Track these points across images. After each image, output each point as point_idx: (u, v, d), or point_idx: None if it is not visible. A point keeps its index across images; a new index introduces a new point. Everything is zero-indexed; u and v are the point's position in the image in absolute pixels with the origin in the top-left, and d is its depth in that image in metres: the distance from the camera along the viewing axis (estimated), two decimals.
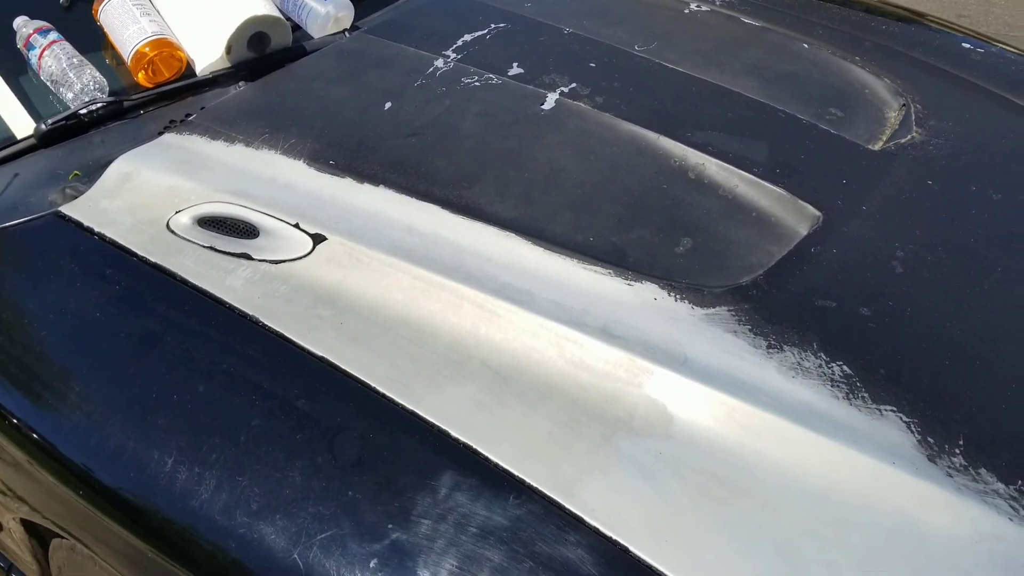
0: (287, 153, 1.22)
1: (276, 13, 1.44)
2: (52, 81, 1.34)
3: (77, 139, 1.32)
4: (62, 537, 1.09)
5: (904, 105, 1.35)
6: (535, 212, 1.12)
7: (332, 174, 1.18)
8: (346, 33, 1.52)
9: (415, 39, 1.45)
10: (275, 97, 1.34)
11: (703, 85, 1.35)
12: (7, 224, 1.18)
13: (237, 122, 1.28)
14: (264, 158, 1.22)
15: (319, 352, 0.97)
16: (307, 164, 1.20)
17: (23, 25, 1.37)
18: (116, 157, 1.26)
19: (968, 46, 1.57)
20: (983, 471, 0.85)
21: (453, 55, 1.41)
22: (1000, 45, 1.61)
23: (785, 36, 1.52)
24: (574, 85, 1.33)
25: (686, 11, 1.58)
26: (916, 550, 0.80)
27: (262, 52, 1.46)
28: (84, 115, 1.32)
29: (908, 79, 1.40)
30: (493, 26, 1.49)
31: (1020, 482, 0.86)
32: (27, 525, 1.20)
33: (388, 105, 1.30)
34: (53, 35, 1.35)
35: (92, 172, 1.26)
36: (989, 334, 1.00)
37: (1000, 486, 0.85)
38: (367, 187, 1.16)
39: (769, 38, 1.51)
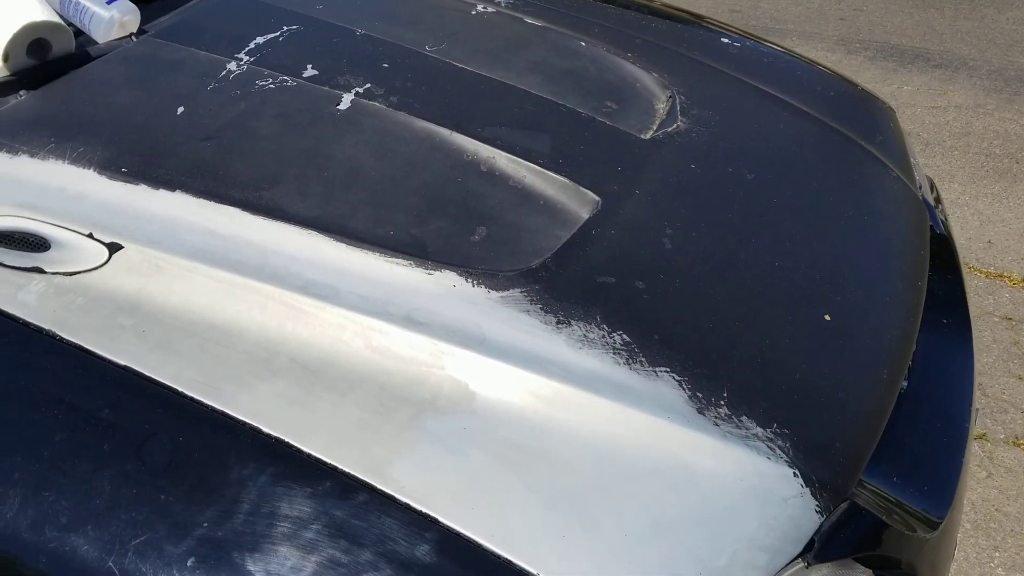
0: (76, 162, 1.18)
1: (55, 18, 1.38)
2: None
3: None
4: None
5: (671, 97, 1.47)
6: (336, 209, 1.14)
7: (125, 181, 1.15)
8: (132, 38, 1.47)
9: (206, 42, 1.43)
10: (60, 105, 1.29)
11: (491, 83, 1.42)
12: None
13: (19, 132, 1.22)
14: (51, 168, 1.17)
15: (121, 361, 0.96)
16: (98, 172, 1.16)
17: None
18: None
19: (727, 41, 1.72)
20: (744, 418, 0.97)
21: (246, 58, 1.40)
22: (755, 40, 1.78)
23: (565, 35, 1.61)
24: (368, 85, 1.36)
25: (473, 12, 1.64)
26: (690, 492, 0.90)
27: (44, 59, 1.39)
28: None
29: (674, 73, 1.53)
30: (285, 28, 1.49)
31: (775, 425, 0.98)
32: None
33: (180, 109, 1.28)
34: None
35: None
36: (746, 298, 1.12)
37: (759, 430, 0.96)
38: (162, 193, 1.14)
39: (550, 37, 1.60)
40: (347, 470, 0.87)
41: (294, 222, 1.11)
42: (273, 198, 1.15)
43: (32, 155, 1.19)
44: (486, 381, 0.96)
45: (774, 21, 3.91)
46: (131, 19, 1.48)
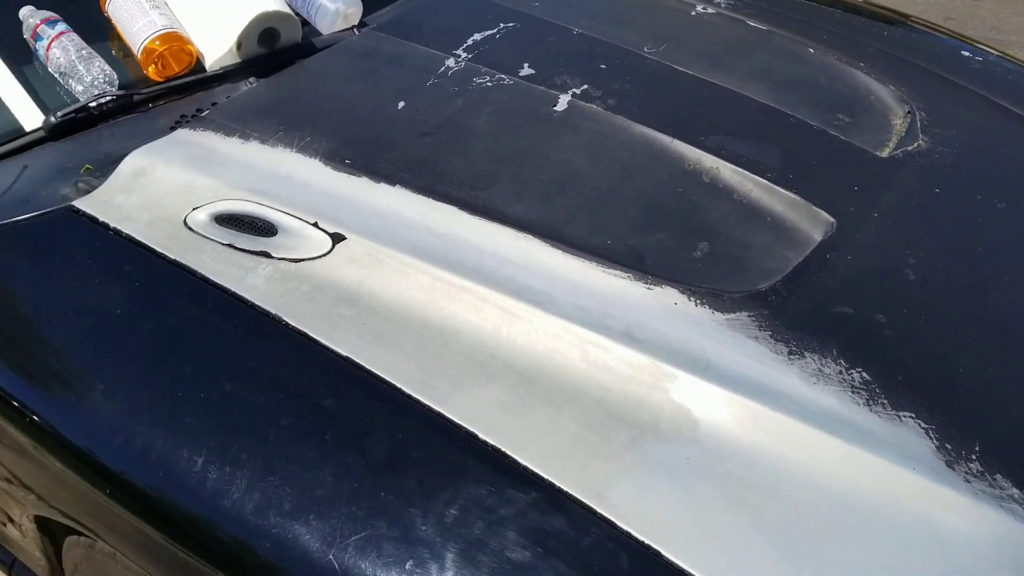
0: (302, 151, 1.21)
1: (287, 9, 1.43)
2: (60, 73, 1.33)
3: (86, 132, 1.31)
4: (79, 535, 1.09)
5: (909, 112, 1.37)
6: (552, 214, 1.13)
7: (348, 173, 1.18)
8: (355, 30, 1.52)
9: (425, 37, 1.45)
10: (288, 94, 1.34)
11: (713, 88, 1.36)
12: (19, 217, 1.17)
13: (251, 119, 1.27)
14: (279, 156, 1.21)
15: (343, 351, 0.97)
16: (323, 162, 1.20)
17: (30, 15, 1.35)
18: (128, 151, 1.24)
19: (967, 54, 1.59)
20: (999, 477, 0.88)
21: (464, 54, 1.41)
22: (997, 53, 1.64)
23: (791, 40, 1.53)
24: (586, 87, 1.34)
25: (692, 13, 1.59)
26: (936, 552, 0.82)
27: (272, 48, 1.45)
28: (94, 108, 1.30)
29: (912, 86, 1.42)
30: (502, 25, 1.49)
31: None
32: (40, 522, 1.19)
33: (401, 104, 1.30)
34: (61, 26, 1.34)
35: (103, 166, 1.25)
36: (999, 340, 1.02)
37: (1015, 491, 0.87)
38: (383, 186, 1.16)
39: (775, 42, 1.53)
40: (564, 488, 0.85)
41: (510, 224, 1.10)
42: (489, 198, 1.14)
43: (263, 142, 1.23)
44: (711, 409, 0.92)
45: (994, 31, 3.63)
46: (354, 12, 1.52)
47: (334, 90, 1.34)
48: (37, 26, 1.33)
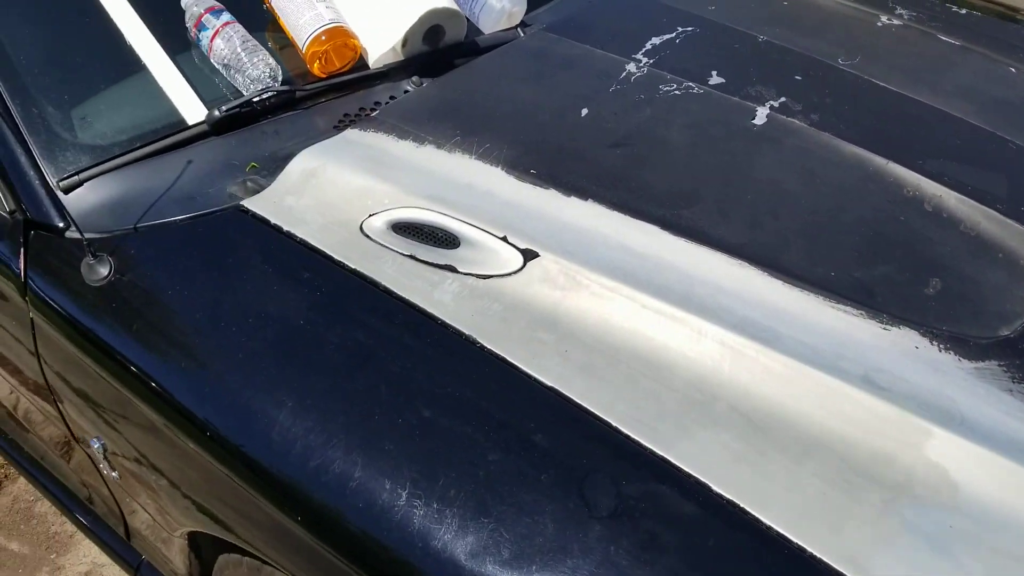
0: (482, 158, 1.14)
1: (455, 6, 1.37)
2: (224, 65, 1.28)
3: (249, 128, 1.26)
4: (239, 554, 1.04)
5: None
6: (765, 239, 1.04)
7: (534, 184, 1.11)
8: (518, 30, 1.44)
9: (599, 40, 1.37)
10: (460, 96, 1.27)
11: (920, 106, 1.26)
12: (186, 216, 1.12)
13: (424, 121, 1.21)
14: (459, 162, 1.14)
15: (548, 381, 0.90)
16: (505, 171, 1.13)
17: (194, 3, 1.30)
18: (294, 150, 1.19)
19: None
20: None
21: (644, 59, 1.32)
22: None
23: (989, 58, 1.42)
24: (784, 99, 1.25)
25: (879, 24, 1.49)
26: None
27: (435, 46, 1.39)
28: (257, 103, 1.25)
29: None
30: (680, 29, 1.40)
31: None
32: (191, 538, 1.14)
33: (584, 111, 1.22)
34: (226, 16, 1.29)
35: (269, 164, 1.20)
36: None
37: None
38: (574, 200, 1.09)
39: (973, 60, 1.42)
40: (816, 553, 0.76)
41: (719, 248, 1.02)
42: (693, 218, 1.06)
43: (438, 146, 1.17)
44: (970, 470, 0.82)
45: None
46: (518, 10, 1.45)
47: (509, 93, 1.26)
48: (201, 16, 1.28)
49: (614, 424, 0.86)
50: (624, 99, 1.24)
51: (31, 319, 1.16)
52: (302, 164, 1.16)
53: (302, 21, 1.30)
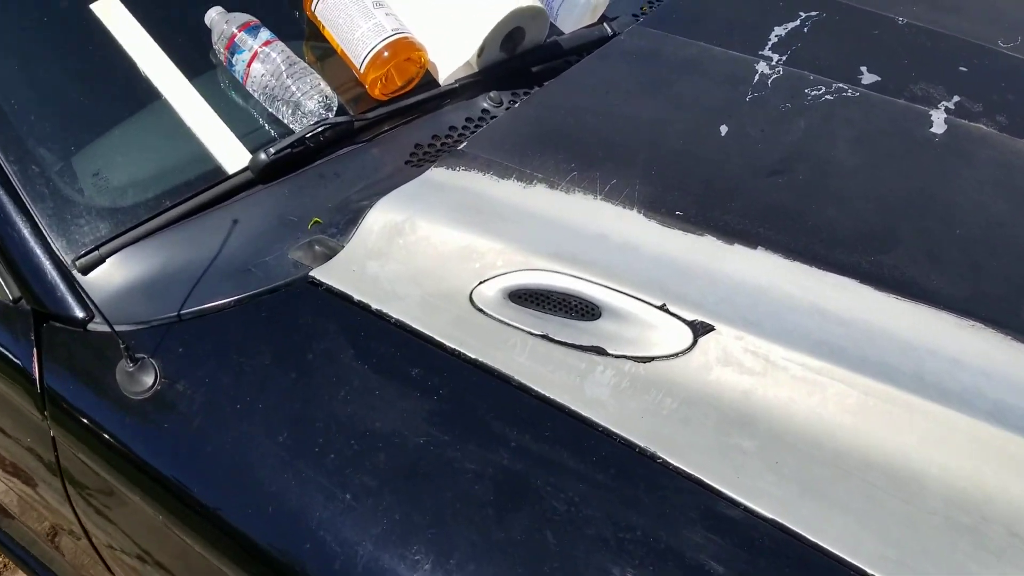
0: (612, 198, 0.93)
1: (540, 3, 1.14)
2: (266, 94, 1.05)
3: (303, 172, 1.03)
4: None
5: None
6: (994, 288, 0.83)
7: (685, 231, 0.89)
8: (605, 25, 1.22)
9: (712, 33, 1.15)
10: (565, 117, 1.04)
11: None
12: (243, 295, 0.90)
13: (526, 153, 0.99)
14: (582, 206, 0.93)
15: (766, 512, 0.69)
16: (645, 215, 0.91)
17: (223, 20, 1.06)
18: (364, 197, 0.98)
19: None
20: None
21: (775, 56, 1.10)
22: None
23: None
24: (957, 98, 1.03)
25: None
26: None
27: (512, 52, 1.16)
28: (310, 140, 1.02)
29: None
30: (803, 15, 1.18)
31: None
32: None
33: (724, 129, 1.00)
34: (264, 33, 1.05)
35: (337, 219, 0.98)
36: None
37: None
38: (740, 249, 0.87)
39: None
40: None
41: (942, 305, 0.81)
42: (897, 266, 0.85)
43: (551, 186, 0.95)
44: None
45: None
46: (602, 2, 1.22)
47: (624, 110, 1.04)
48: (234, 35, 1.04)
49: (867, 570, 0.65)
50: (767, 110, 1.02)
51: (52, 437, 0.94)
52: (382, 218, 0.93)
53: (358, 34, 1.07)
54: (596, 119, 1.03)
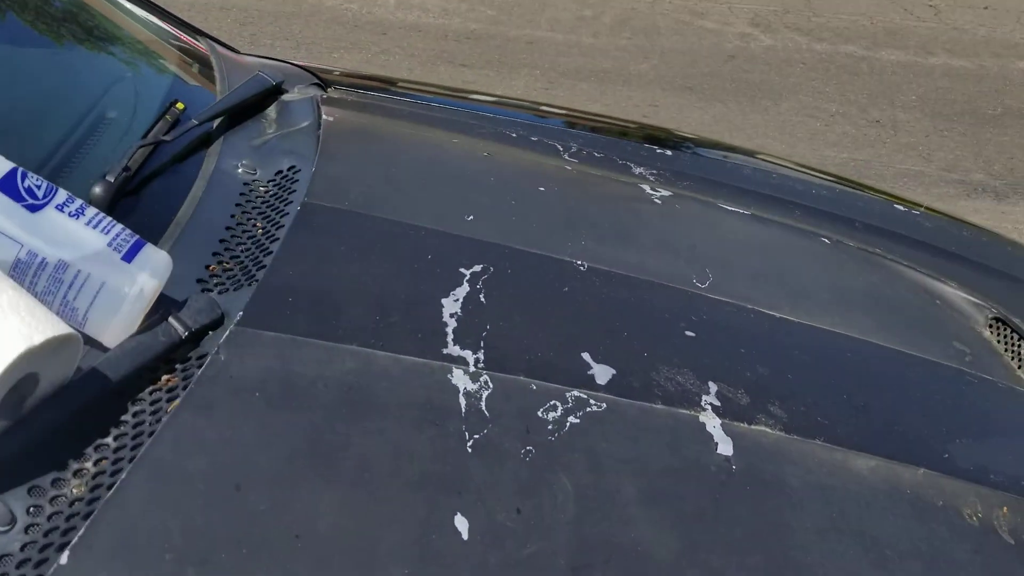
0: None
1: (63, 326, 0.63)
2: None
3: None
4: None
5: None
6: None
7: None
8: (173, 324, 0.75)
9: (361, 326, 0.75)
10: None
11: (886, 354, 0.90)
12: None
13: None
14: None
15: None
16: None
17: None
18: None
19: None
20: None
21: (468, 354, 0.75)
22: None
23: (865, 252, 1.14)
24: (715, 387, 0.78)
25: (728, 215, 1.11)
26: None
27: (17, 411, 0.63)
28: None
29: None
30: (465, 272, 0.85)
31: None
32: None
33: (463, 528, 0.61)
34: None
35: None
36: None
37: None
38: None
39: (855, 256, 1.11)
40: None
41: None
42: None
43: None
44: None
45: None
46: (156, 284, 0.75)
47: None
48: None
49: None
50: (505, 469, 0.66)
51: None
52: None
53: None
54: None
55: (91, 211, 0.74)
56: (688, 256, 0.98)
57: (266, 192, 0.97)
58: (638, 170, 1.18)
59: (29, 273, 0.70)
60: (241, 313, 0.73)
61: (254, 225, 0.91)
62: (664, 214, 1.08)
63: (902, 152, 3.40)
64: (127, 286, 0.72)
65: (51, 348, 0.62)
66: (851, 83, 3.82)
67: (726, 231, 1.08)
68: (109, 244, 0.72)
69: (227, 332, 0.71)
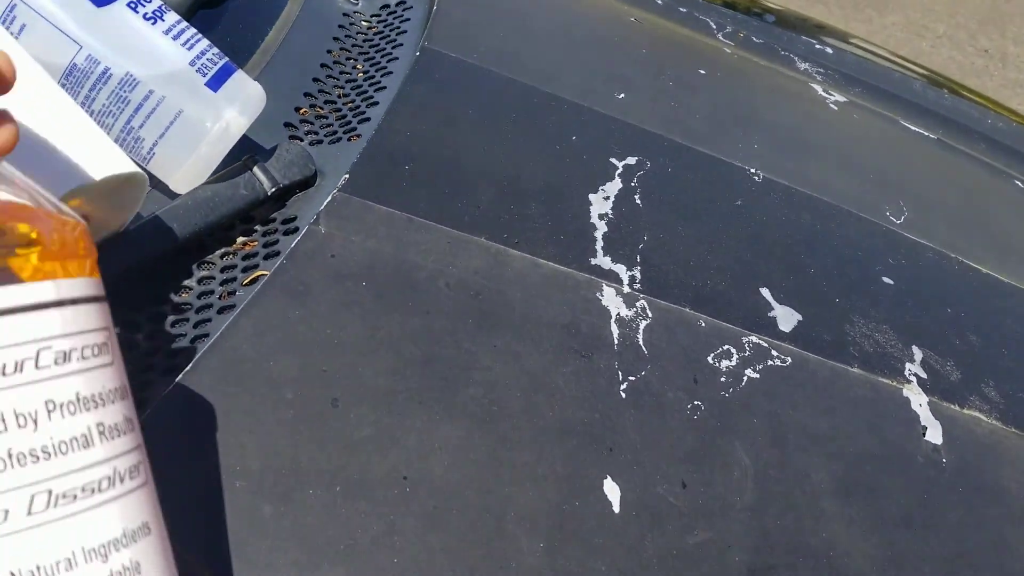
0: None
1: (121, 165, 0.50)
2: None
3: None
4: None
5: None
6: None
7: None
8: (257, 173, 0.61)
9: (466, 212, 0.61)
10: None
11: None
12: None
13: None
14: None
15: None
16: None
17: None
18: None
19: None
20: None
21: (622, 269, 0.61)
22: None
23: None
24: (920, 355, 0.64)
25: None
26: None
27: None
28: None
29: None
30: (618, 164, 0.70)
31: None
32: None
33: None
34: None
35: None
36: None
37: None
38: None
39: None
40: None
41: None
42: None
43: None
44: None
45: None
46: (246, 120, 0.61)
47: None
48: None
49: None
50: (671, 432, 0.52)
51: None
52: None
53: None
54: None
55: (172, 16, 0.59)
56: (878, 182, 0.82)
57: (369, 28, 0.82)
58: (803, 65, 1.00)
59: (87, 84, 0.56)
60: (347, 176, 0.59)
61: (354, 67, 0.77)
62: (845, 124, 0.91)
63: (1009, 88, 3.14)
64: (210, 119, 0.58)
65: (107, 189, 0.49)
66: (962, 4, 3.53)
67: (915, 157, 0.92)
68: (192, 63, 0.58)
69: (329, 197, 0.57)
